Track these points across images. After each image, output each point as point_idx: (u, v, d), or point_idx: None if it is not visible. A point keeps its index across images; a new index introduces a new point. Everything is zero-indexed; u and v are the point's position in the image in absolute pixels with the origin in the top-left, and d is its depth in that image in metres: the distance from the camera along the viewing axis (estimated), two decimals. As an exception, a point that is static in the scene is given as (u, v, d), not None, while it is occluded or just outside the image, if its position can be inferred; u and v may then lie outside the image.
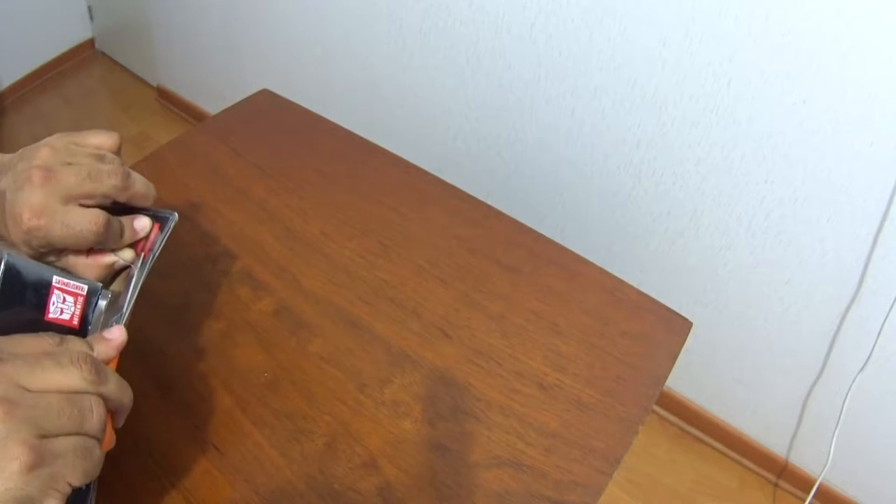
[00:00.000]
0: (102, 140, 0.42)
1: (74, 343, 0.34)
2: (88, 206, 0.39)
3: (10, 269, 0.34)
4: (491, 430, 0.48)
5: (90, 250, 0.40)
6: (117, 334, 0.37)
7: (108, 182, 0.39)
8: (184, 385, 0.51)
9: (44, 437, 0.29)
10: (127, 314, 0.39)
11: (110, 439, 0.34)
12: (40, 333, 0.33)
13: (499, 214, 0.66)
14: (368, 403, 0.50)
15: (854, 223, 0.91)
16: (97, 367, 0.32)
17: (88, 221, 0.38)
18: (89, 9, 2.29)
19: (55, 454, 0.29)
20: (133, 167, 0.69)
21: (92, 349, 0.35)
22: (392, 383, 0.51)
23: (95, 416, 0.31)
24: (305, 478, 0.45)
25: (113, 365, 0.37)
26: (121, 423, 0.35)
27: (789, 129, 0.89)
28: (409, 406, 0.50)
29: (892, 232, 0.88)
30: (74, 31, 2.33)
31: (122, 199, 0.41)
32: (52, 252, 0.39)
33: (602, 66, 1.01)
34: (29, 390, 0.29)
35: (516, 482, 0.46)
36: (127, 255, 0.42)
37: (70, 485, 0.30)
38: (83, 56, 2.39)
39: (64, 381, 0.31)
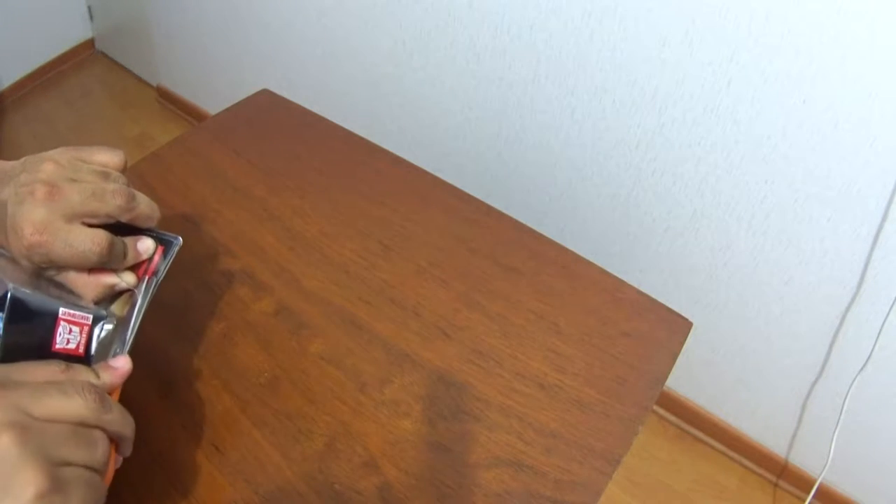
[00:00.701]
0: (108, 158, 0.42)
1: (80, 371, 0.34)
2: (92, 226, 0.38)
3: (15, 302, 0.34)
4: (491, 430, 0.48)
5: (91, 269, 0.40)
6: (122, 363, 0.37)
7: (113, 202, 0.39)
8: (184, 385, 0.51)
9: (55, 464, 0.29)
10: (131, 341, 0.39)
11: (111, 473, 0.34)
12: (46, 361, 0.34)
13: (499, 214, 0.66)
14: (368, 403, 0.50)
15: (854, 223, 0.91)
16: (101, 397, 0.32)
17: (91, 241, 0.37)
18: (89, 9, 2.29)
19: (66, 481, 0.29)
20: (133, 167, 0.70)
21: (98, 377, 0.35)
22: (392, 383, 0.51)
23: (101, 448, 0.32)
24: (305, 478, 0.45)
25: (116, 393, 0.37)
26: (127, 453, 0.35)
27: (789, 129, 0.89)
28: (409, 406, 0.50)
29: (892, 232, 0.88)
30: (74, 31, 2.33)
31: (125, 219, 0.40)
32: (53, 268, 0.39)
33: (602, 66, 1.01)
34: (35, 418, 0.29)
35: (516, 482, 0.46)
36: (129, 278, 0.41)
37: None
38: (83, 56, 2.39)
39: (68, 409, 0.31)
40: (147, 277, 0.42)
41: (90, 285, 0.40)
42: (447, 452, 0.47)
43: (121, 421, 0.34)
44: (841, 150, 0.86)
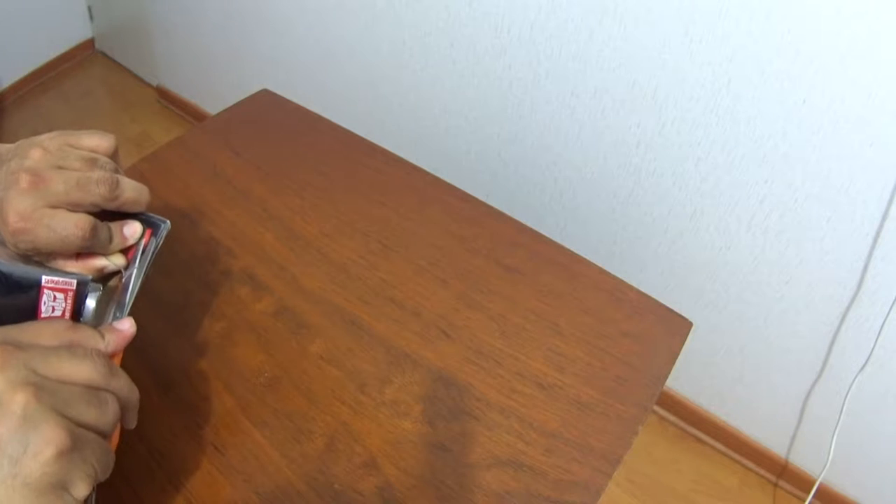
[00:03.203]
0: (98, 143, 0.41)
1: (85, 331, 0.35)
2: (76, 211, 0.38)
3: None
4: (491, 430, 0.48)
5: (79, 254, 0.40)
6: (127, 326, 0.37)
7: (97, 191, 0.38)
8: (184, 384, 0.51)
9: (72, 423, 0.29)
10: (129, 307, 0.39)
11: (117, 439, 0.34)
12: (51, 319, 0.34)
13: (499, 214, 0.66)
14: (368, 403, 0.50)
15: (854, 223, 0.91)
16: (109, 362, 0.33)
17: (74, 226, 0.37)
18: (89, 9, 2.29)
19: (84, 441, 0.29)
20: (133, 167, 0.70)
21: (103, 338, 0.35)
22: (392, 383, 0.51)
23: (111, 410, 0.32)
24: (305, 478, 0.45)
25: (117, 361, 0.37)
26: (131, 423, 0.35)
27: (789, 129, 0.89)
28: (409, 406, 0.50)
29: (892, 232, 0.88)
30: (74, 31, 2.33)
31: (111, 207, 0.40)
32: (40, 254, 0.39)
33: (602, 66, 1.01)
34: (46, 377, 0.29)
35: (516, 482, 0.46)
36: (117, 259, 0.41)
37: (95, 470, 0.30)
38: (83, 56, 2.39)
39: (78, 372, 0.31)
40: (144, 244, 0.41)
41: (79, 269, 0.40)
42: (447, 452, 0.47)
43: (127, 387, 0.34)
44: (841, 150, 0.86)
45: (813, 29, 0.79)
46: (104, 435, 0.31)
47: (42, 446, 0.27)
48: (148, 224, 0.43)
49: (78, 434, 0.29)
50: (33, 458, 0.27)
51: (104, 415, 0.31)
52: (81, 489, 0.29)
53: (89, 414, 0.30)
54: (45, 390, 0.28)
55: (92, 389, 0.31)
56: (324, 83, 1.53)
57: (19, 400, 0.27)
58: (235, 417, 0.49)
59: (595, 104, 1.06)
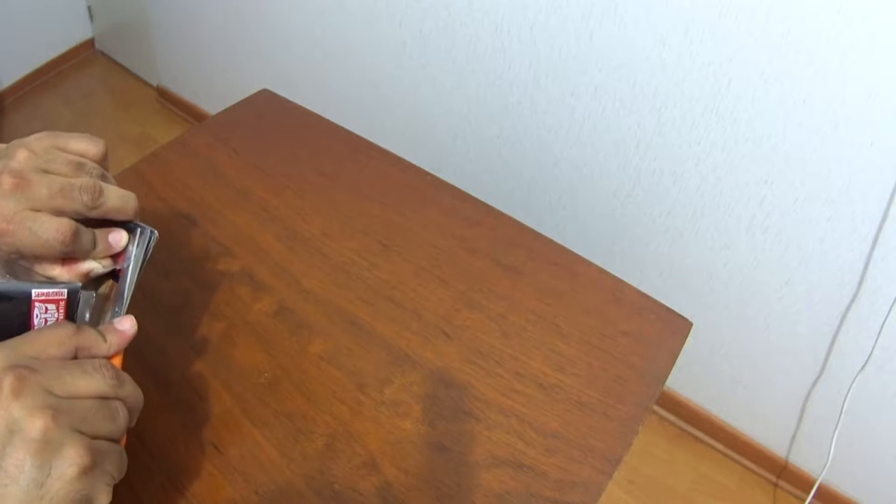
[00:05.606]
0: (86, 147, 0.41)
1: (88, 334, 0.35)
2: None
3: None
4: (491, 430, 0.48)
5: (65, 259, 0.39)
6: (128, 326, 0.37)
7: (79, 199, 0.38)
8: (184, 385, 0.51)
9: (90, 439, 0.30)
10: (126, 307, 0.39)
11: (125, 438, 0.35)
12: (54, 326, 0.34)
13: (499, 214, 0.66)
14: (368, 403, 0.50)
15: (854, 223, 0.91)
16: (116, 371, 0.34)
17: (55, 230, 0.36)
18: (89, 9, 2.29)
19: (101, 454, 0.31)
20: (133, 167, 0.70)
21: (105, 340, 0.36)
22: (392, 383, 0.51)
23: (122, 417, 0.33)
24: (305, 478, 0.45)
25: (118, 362, 0.37)
26: (133, 422, 0.36)
27: (789, 129, 0.89)
28: (409, 406, 0.50)
29: (892, 232, 0.88)
30: (74, 31, 2.33)
31: (93, 216, 0.39)
32: (24, 257, 0.38)
33: (602, 66, 1.01)
34: (60, 397, 0.30)
35: (516, 482, 0.46)
36: (105, 260, 0.41)
37: (114, 478, 0.31)
38: (83, 56, 2.39)
39: (90, 386, 0.32)
40: (131, 253, 0.41)
41: (65, 274, 0.39)
42: (447, 452, 0.47)
43: (134, 393, 0.35)
44: (841, 150, 0.86)
45: (813, 29, 0.79)
46: (116, 441, 0.33)
47: (65, 468, 0.29)
48: (135, 233, 0.42)
49: (96, 447, 0.30)
50: (58, 479, 0.28)
51: (116, 424, 0.32)
52: (104, 498, 0.30)
53: (104, 426, 0.31)
54: (62, 412, 0.30)
55: (103, 401, 0.32)
56: (324, 83, 1.53)
57: (39, 426, 0.28)
58: (235, 417, 0.49)
59: (595, 104, 1.06)
